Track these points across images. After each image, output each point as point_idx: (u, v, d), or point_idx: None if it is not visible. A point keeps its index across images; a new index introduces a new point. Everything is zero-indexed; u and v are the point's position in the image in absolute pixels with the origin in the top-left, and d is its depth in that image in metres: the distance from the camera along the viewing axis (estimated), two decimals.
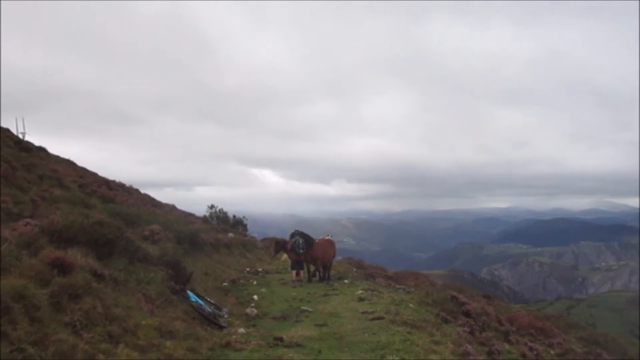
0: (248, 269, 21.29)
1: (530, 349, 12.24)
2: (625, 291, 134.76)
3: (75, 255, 7.59)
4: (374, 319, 10.92)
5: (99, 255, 8.86)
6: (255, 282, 17.72)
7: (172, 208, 32.65)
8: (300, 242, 18.05)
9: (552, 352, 13.79)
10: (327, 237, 19.63)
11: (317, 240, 18.74)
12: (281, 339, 8.94)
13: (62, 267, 6.89)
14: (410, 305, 12.87)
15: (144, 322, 6.94)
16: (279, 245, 19.28)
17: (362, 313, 11.65)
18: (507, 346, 12.07)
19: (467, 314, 13.05)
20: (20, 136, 27.66)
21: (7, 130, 25.84)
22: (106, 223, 9.71)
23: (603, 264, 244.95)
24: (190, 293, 10.28)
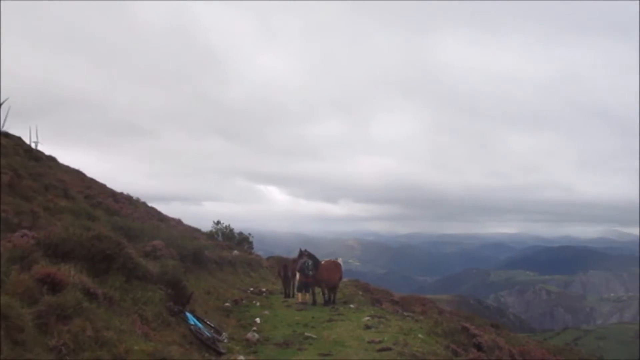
0: (252, 289, 20.78)
1: None
2: (634, 323, 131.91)
3: (68, 272, 7.16)
4: (381, 349, 10.37)
5: (95, 272, 8.43)
6: (258, 304, 17.21)
7: (178, 222, 32.27)
8: (310, 263, 17.61)
9: None
10: (334, 260, 19.12)
11: (323, 262, 18.27)
12: None
13: (53, 285, 6.47)
14: (420, 335, 12.29)
15: (136, 348, 6.45)
16: (286, 268, 18.86)
17: (369, 342, 11.10)
18: None
19: (478, 347, 12.44)
20: (33, 145, 27.54)
21: (19, 138, 25.71)
22: (105, 237, 9.28)
23: (612, 294, 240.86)
24: (189, 315, 9.78)
